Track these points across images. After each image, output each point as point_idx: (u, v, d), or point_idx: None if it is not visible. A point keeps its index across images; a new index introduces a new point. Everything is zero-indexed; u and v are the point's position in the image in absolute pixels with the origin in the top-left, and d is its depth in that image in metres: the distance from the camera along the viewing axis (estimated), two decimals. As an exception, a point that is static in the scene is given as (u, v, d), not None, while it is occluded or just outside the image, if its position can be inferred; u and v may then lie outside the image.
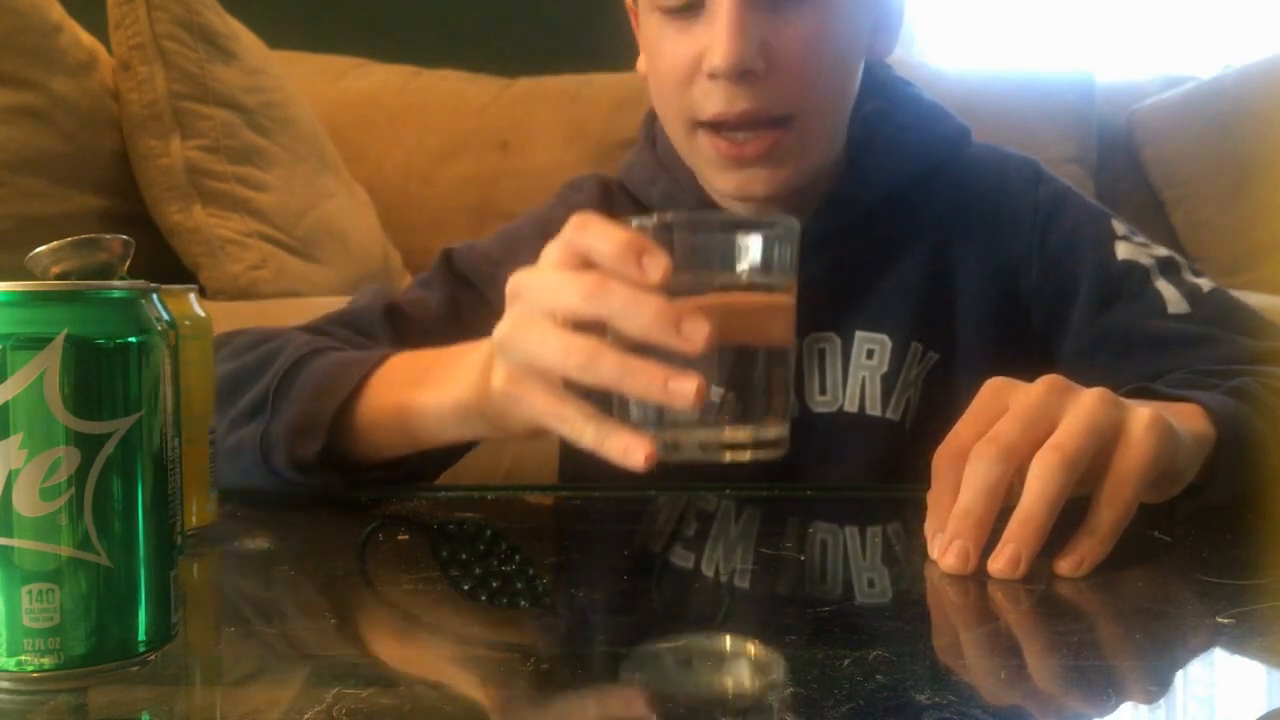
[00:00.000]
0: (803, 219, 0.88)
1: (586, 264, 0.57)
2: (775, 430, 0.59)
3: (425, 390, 0.73)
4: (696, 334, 0.53)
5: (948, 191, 0.93)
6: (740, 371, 0.57)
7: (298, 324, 0.92)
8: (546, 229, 0.94)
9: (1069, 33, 2.64)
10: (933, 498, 0.61)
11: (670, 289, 0.55)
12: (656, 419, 0.57)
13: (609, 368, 0.55)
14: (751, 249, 0.58)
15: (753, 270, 0.58)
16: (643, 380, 0.54)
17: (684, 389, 0.53)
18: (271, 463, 0.77)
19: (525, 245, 0.94)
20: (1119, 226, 0.92)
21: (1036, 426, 0.58)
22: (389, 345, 0.89)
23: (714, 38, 0.81)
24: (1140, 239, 0.92)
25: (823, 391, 0.90)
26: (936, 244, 0.92)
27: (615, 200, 0.98)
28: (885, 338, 0.89)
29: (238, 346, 0.84)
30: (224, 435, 0.79)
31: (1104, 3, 2.66)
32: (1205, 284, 0.89)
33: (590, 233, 0.57)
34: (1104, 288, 0.89)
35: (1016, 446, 0.58)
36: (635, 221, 0.58)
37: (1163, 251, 0.92)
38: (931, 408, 0.89)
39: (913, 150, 0.93)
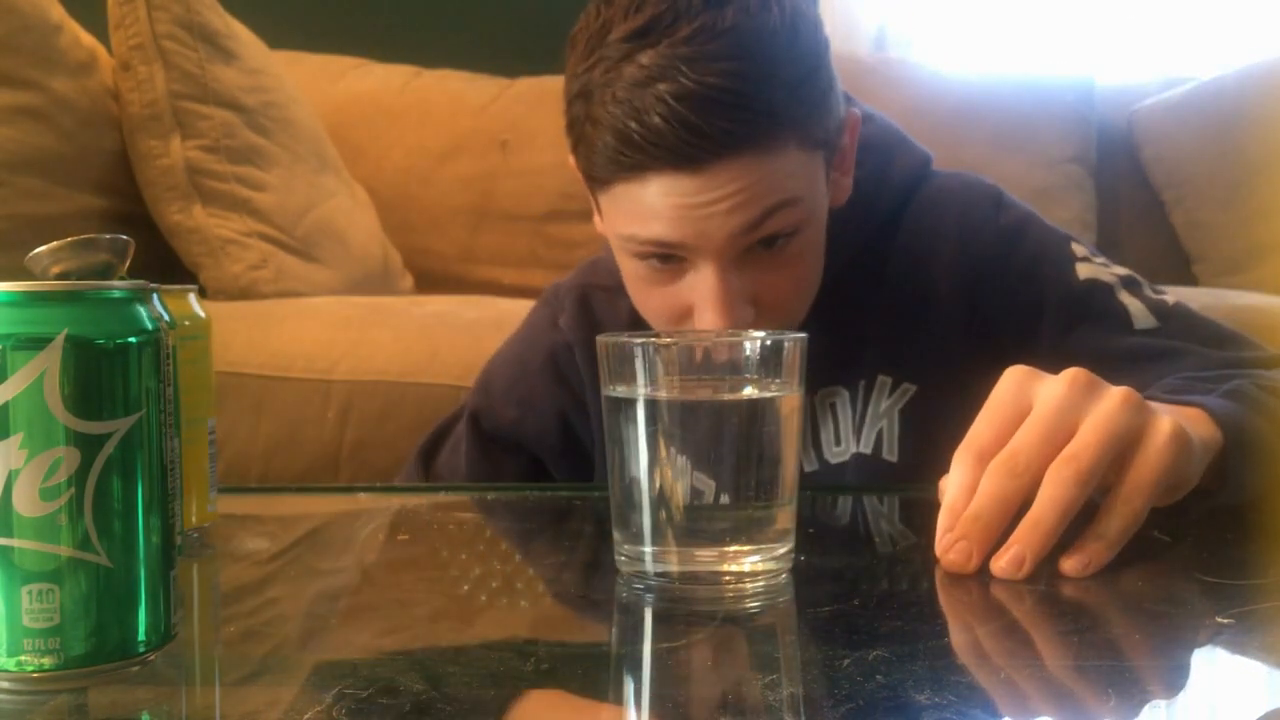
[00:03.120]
0: None
1: None
2: (782, 547, 0.58)
3: None
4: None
5: (914, 226, 0.93)
6: (744, 491, 0.57)
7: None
8: (556, 366, 0.97)
9: (1069, 34, 2.64)
10: (947, 496, 0.61)
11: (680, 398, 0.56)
12: (655, 536, 0.56)
13: None
14: (755, 360, 0.58)
15: (758, 383, 0.58)
16: None
17: None
18: None
19: (541, 387, 0.97)
20: (1079, 249, 0.93)
21: (1056, 436, 0.58)
22: None
23: (702, 303, 0.80)
24: (1100, 259, 0.93)
25: (838, 443, 0.91)
26: (903, 274, 0.92)
27: (597, 311, 0.97)
28: (860, 379, 0.91)
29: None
30: None
31: (1104, 4, 2.65)
32: (1169, 299, 0.90)
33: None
34: (1068, 307, 0.89)
35: (1034, 462, 0.58)
36: (639, 339, 0.57)
37: (1123, 270, 0.92)
38: (915, 439, 0.89)
39: (870, 203, 0.92)
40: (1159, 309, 0.89)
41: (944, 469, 0.62)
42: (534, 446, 0.98)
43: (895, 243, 0.93)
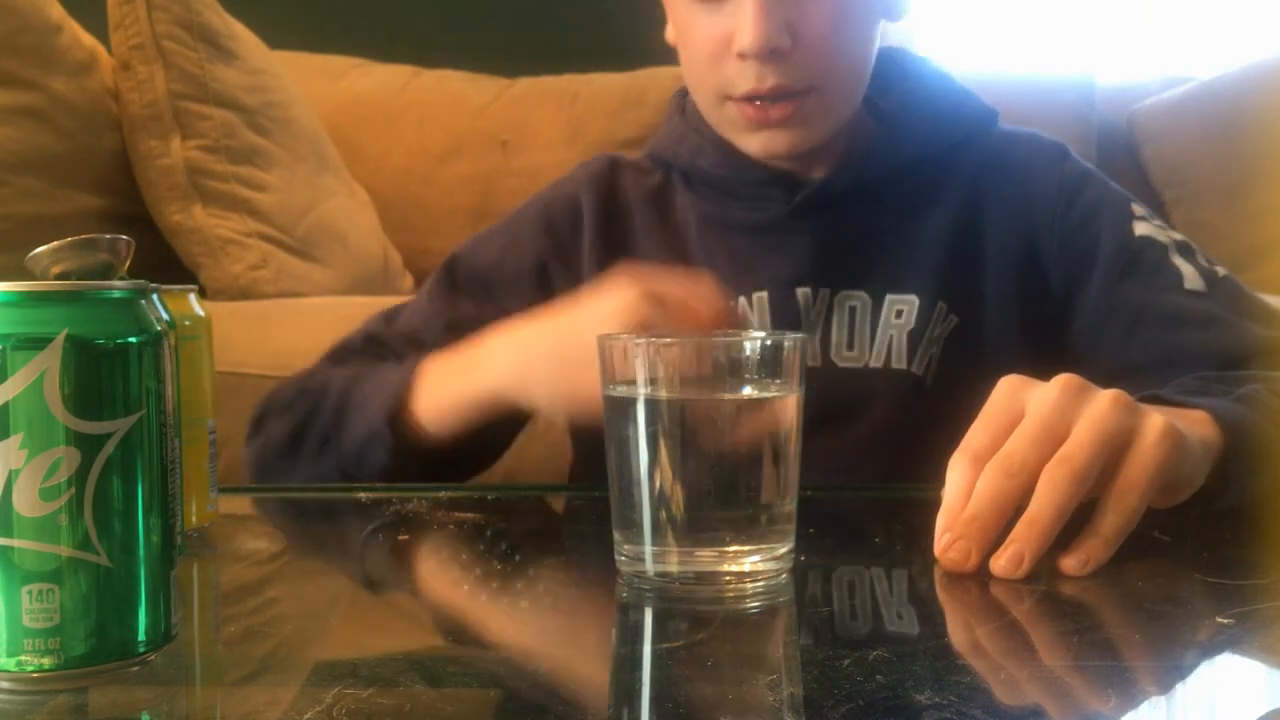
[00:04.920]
0: (828, 171, 0.93)
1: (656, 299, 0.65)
2: (783, 547, 0.58)
3: (468, 375, 0.83)
4: None
5: (977, 161, 0.96)
6: (744, 491, 0.57)
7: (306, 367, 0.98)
8: (548, 216, 1.00)
9: (1069, 34, 2.64)
10: (945, 498, 0.61)
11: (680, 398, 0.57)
12: (655, 536, 0.57)
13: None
14: (754, 360, 0.58)
15: (757, 383, 0.58)
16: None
17: None
18: (367, 470, 0.86)
19: (527, 234, 1.00)
20: (1138, 208, 0.95)
21: (1049, 440, 0.59)
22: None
23: (742, 20, 0.86)
24: (1158, 221, 0.95)
25: (850, 348, 0.93)
26: (963, 210, 0.95)
27: (620, 174, 1.01)
28: (914, 298, 0.92)
29: (281, 403, 0.92)
30: (307, 475, 0.88)
31: (1104, 4, 2.65)
32: (1220, 269, 0.92)
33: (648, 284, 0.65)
34: (1121, 260, 0.92)
35: (1029, 463, 0.59)
36: (640, 340, 0.58)
37: (1179, 235, 0.94)
38: (950, 369, 0.92)
39: (942, 121, 0.97)
40: (1209, 275, 0.90)
41: (970, 405, 0.63)
42: (508, 295, 0.97)
43: (961, 176, 0.95)
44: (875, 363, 0.92)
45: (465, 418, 0.83)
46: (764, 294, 0.93)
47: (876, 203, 0.94)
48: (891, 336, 0.92)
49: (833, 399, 0.89)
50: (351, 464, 0.87)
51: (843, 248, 0.93)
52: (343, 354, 0.97)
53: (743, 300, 0.93)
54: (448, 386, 0.84)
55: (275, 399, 0.94)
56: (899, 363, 0.92)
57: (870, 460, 0.91)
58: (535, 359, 0.79)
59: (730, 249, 0.95)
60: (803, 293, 0.92)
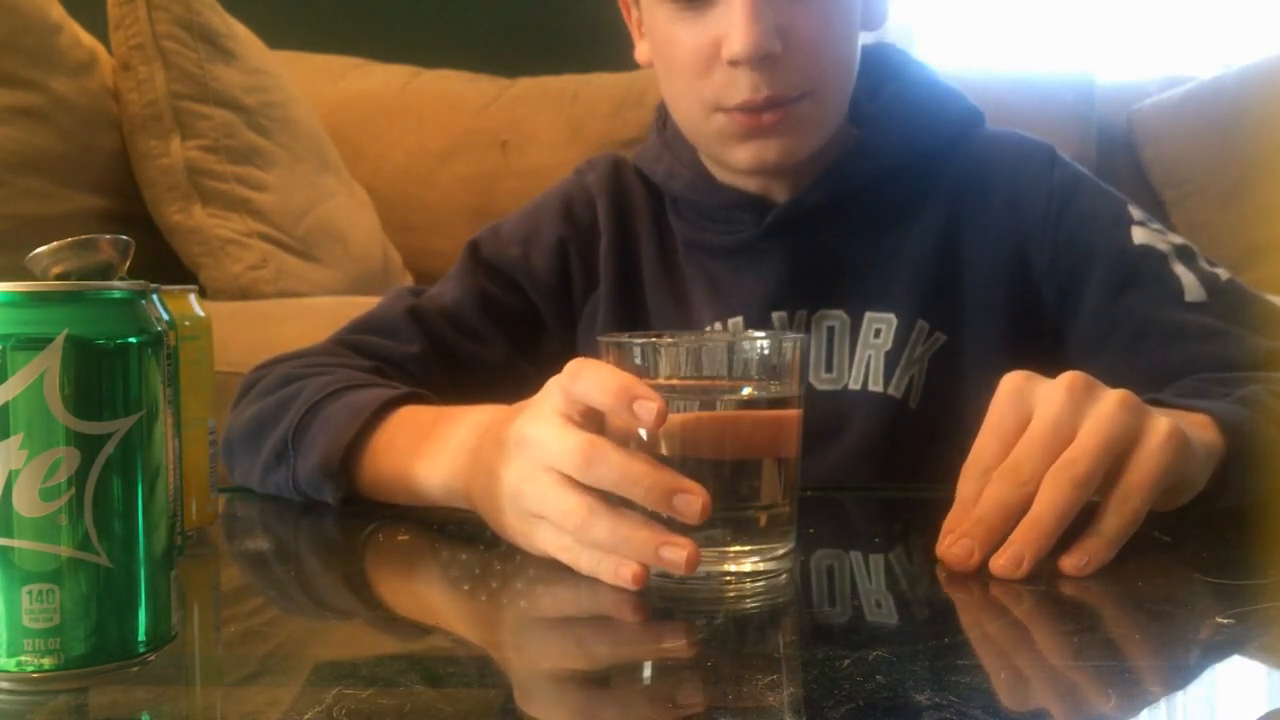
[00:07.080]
0: (805, 186, 0.90)
1: (586, 411, 0.58)
2: (783, 547, 0.58)
3: (421, 462, 0.73)
4: (689, 508, 0.54)
5: (960, 169, 0.93)
6: (744, 491, 0.57)
7: (332, 334, 0.94)
8: (568, 206, 0.99)
9: (1069, 33, 2.64)
10: (953, 509, 0.61)
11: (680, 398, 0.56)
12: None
13: (602, 533, 0.56)
14: (755, 361, 0.58)
15: (758, 384, 0.58)
16: (635, 546, 0.55)
17: (675, 558, 0.54)
18: (320, 500, 0.79)
19: (548, 222, 0.99)
20: (1135, 212, 0.91)
21: (1057, 445, 0.59)
22: (419, 346, 0.92)
23: (731, 25, 0.82)
24: (1156, 225, 0.91)
25: (828, 370, 0.90)
26: (946, 222, 0.91)
27: (625, 178, 1.00)
28: (892, 316, 0.90)
29: (265, 385, 0.86)
30: (259, 479, 0.81)
31: (1104, 3, 2.66)
32: (1222, 273, 0.88)
33: (583, 381, 0.57)
34: (1120, 272, 0.88)
35: (1038, 470, 0.58)
36: (639, 340, 0.58)
37: (1179, 239, 0.91)
38: (939, 388, 0.89)
39: (923, 127, 0.93)
40: (1211, 282, 0.87)
41: (960, 423, 0.62)
42: (531, 288, 0.97)
43: (943, 185, 0.92)
44: (854, 385, 0.89)
45: (408, 499, 0.76)
46: (739, 319, 0.91)
47: (852, 217, 0.91)
48: (869, 357, 0.90)
49: (810, 422, 0.88)
50: (302, 490, 0.79)
51: (818, 266, 0.91)
52: (350, 339, 0.93)
53: (718, 327, 0.91)
54: (395, 463, 0.76)
55: (265, 376, 0.88)
56: (875, 385, 0.89)
57: (849, 483, 0.89)
58: (474, 485, 0.67)
59: (706, 273, 0.94)
60: (778, 316, 0.90)
